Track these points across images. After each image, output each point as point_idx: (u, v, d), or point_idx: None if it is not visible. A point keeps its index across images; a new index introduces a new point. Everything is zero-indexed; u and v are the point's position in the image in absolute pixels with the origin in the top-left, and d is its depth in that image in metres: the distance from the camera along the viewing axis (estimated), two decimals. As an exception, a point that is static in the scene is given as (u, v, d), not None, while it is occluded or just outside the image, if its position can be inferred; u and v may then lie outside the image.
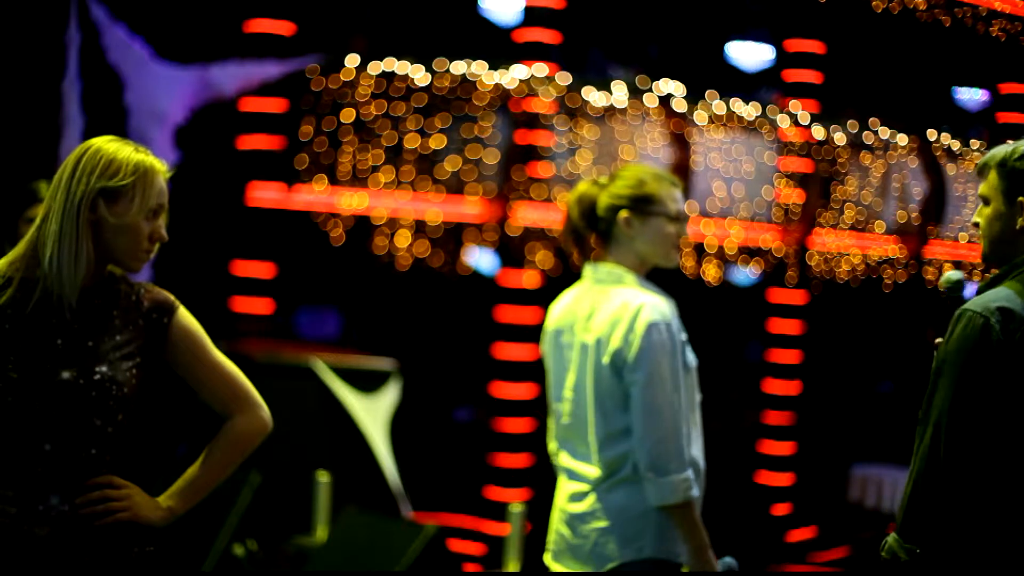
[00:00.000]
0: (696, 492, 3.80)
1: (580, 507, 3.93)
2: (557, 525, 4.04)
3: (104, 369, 3.01)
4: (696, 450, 3.90)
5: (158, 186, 3.07)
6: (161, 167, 3.10)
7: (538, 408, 9.27)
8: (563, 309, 4.10)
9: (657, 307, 3.85)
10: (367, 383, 8.02)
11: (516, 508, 7.21)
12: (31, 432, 2.96)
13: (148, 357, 3.08)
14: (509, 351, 9.97)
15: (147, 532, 3.09)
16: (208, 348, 3.15)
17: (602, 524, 3.87)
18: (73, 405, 2.98)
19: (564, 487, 4.04)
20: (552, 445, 4.18)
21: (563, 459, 4.06)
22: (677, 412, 3.78)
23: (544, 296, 10.17)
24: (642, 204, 3.97)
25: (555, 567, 4.04)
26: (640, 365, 3.79)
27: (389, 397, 8.11)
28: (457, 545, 8.96)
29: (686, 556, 3.81)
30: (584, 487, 3.94)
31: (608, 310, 3.89)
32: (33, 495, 2.96)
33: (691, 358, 3.93)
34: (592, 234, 4.06)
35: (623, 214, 3.97)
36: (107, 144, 3.07)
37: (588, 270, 4.08)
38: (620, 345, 3.82)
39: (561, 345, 4.04)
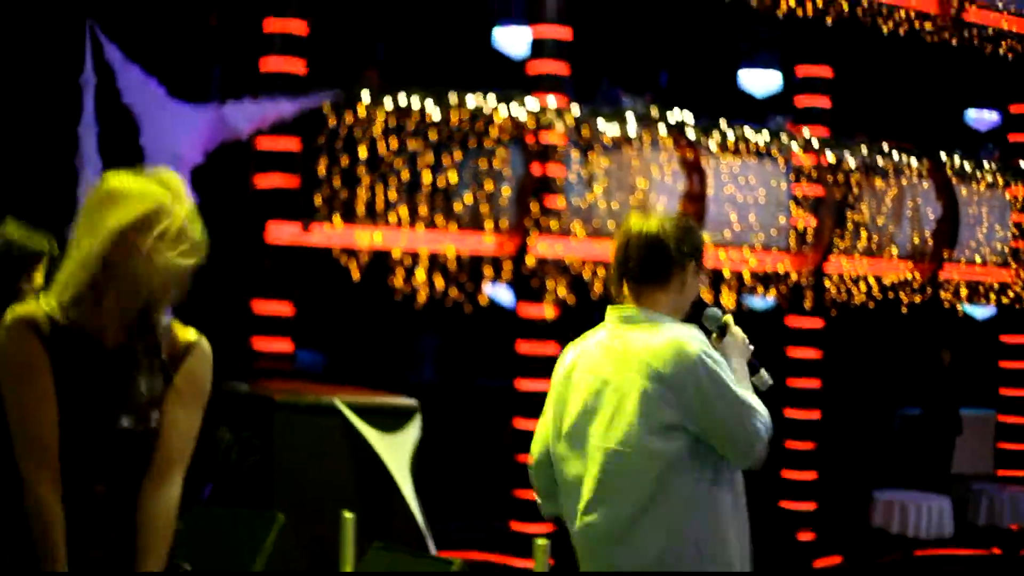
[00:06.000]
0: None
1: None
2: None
3: (156, 415, 3.06)
4: None
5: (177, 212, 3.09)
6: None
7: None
8: (592, 352, 3.98)
9: (700, 338, 3.81)
10: (389, 421, 7.99)
11: (541, 542, 7.17)
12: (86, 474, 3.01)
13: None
14: (529, 384, 9.95)
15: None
16: (177, 399, 3.08)
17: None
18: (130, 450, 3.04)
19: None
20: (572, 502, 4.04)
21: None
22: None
23: (562, 329, 10.15)
24: (703, 258, 3.97)
25: None
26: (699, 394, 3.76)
27: (412, 434, 8.08)
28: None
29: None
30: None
31: (649, 346, 3.81)
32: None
33: None
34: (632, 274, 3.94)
35: (692, 265, 3.94)
36: (118, 178, 3.09)
37: (614, 314, 3.95)
38: (666, 375, 3.76)
39: (597, 388, 3.93)
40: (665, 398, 3.74)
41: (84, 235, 3.03)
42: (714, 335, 3.98)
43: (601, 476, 3.84)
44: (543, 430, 4.06)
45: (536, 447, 4.09)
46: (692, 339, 3.80)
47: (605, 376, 3.88)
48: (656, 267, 3.90)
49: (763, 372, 4.03)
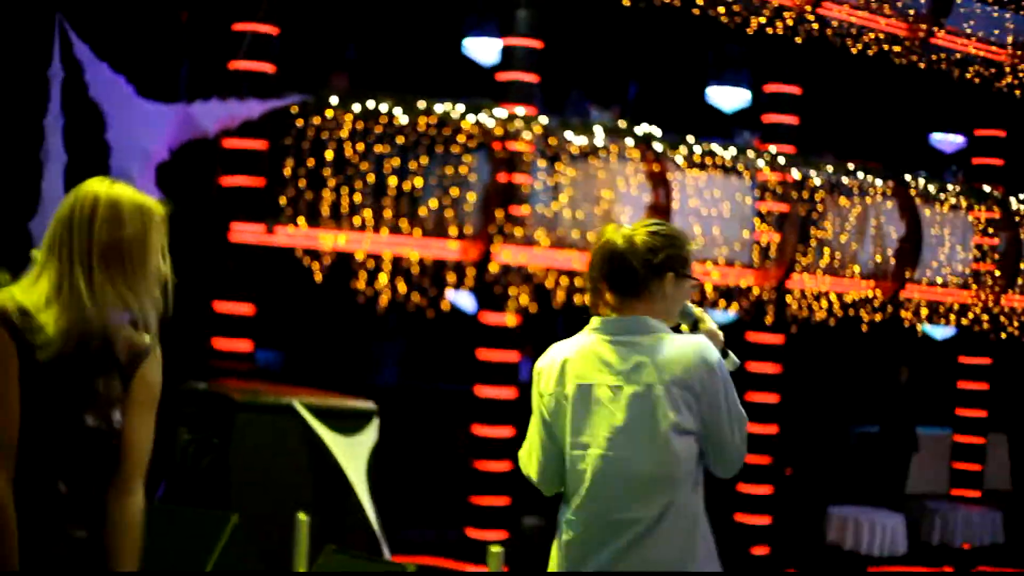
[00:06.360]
0: None
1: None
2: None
3: (116, 415, 3.05)
4: None
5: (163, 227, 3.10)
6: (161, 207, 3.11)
7: (517, 448, 9.24)
8: (585, 360, 3.94)
9: (713, 347, 3.86)
10: (347, 423, 7.99)
11: (495, 548, 7.19)
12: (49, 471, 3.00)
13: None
14: (489, 391, 9.96)
15: None
16: (136, 406, 3.08)
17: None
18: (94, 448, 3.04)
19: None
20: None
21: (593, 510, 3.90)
22: None
23: (523, 336, 10.18)
24: (685, 266, 3.93)
25: None
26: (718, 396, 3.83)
27: (369, 437, 8.08)
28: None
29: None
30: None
31: (668, 352, 3.83)
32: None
33: None
34: (613, 285, 3.93)
35: (670, 276, 3.89)
36: (107, 188, 3.06)
37: (605, 322, 3.92)
38: (690, 380, 3.78)
39: (594, 398, 3.88)
40: (686, 401, 3.78)
41: (92, 261, 3.01)
42: (686, 329, 4.01)
43: (624, 481, 3.84)
44: (539, 445, 3.99)
45: (533, 466, 4.01)
46: (710, 346, 3.83)
47: (611, 383, 3.86)
48: (625, 282, 3.88)
49: (732, 355, 4.09)
